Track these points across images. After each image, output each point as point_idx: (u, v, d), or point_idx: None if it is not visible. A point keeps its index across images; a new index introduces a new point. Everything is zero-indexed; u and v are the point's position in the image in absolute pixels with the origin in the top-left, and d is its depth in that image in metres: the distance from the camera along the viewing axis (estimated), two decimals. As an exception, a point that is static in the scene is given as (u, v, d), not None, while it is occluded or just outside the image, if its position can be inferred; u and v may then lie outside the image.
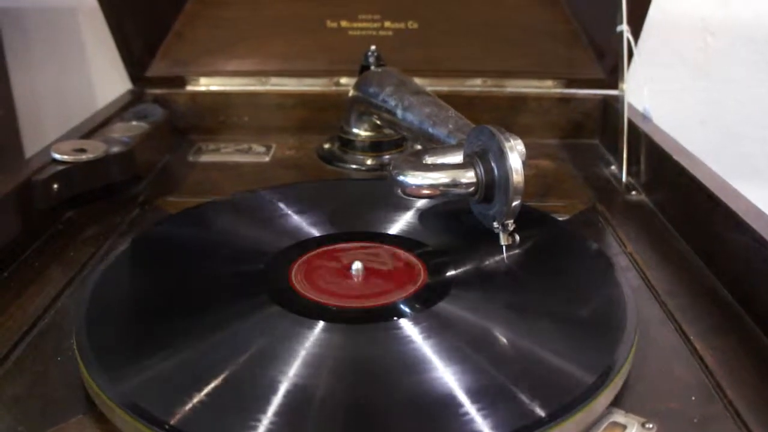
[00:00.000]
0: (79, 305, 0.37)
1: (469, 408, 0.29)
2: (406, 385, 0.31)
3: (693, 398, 0.34)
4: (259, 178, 0.61)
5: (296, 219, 0.47)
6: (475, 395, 0.30)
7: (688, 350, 0.38)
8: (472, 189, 0.42)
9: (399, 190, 0.43)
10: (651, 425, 0.31)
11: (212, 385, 0.31)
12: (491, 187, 0.42)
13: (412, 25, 0.73)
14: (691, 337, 0.39)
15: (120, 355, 0.33)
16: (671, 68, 0.84)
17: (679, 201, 0.52)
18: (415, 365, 0.32)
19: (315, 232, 0.45)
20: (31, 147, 0.86)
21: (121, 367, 0.32)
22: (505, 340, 0.35)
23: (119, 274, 0.41)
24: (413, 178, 0.42)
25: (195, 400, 0.30)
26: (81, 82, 0.86)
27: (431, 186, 0.42)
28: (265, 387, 0.30)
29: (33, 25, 0.84)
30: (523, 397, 0.30)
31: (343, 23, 0.73)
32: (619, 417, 0.32)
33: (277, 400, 0.30)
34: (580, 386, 0.31)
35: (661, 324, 0.40)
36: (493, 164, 0.41)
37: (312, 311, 0.36)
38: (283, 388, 0.30)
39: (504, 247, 0.42)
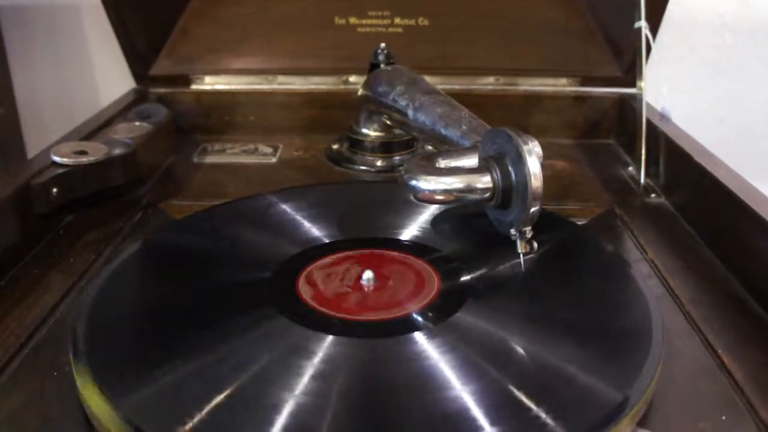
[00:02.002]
0: (78, 317, 0.35)
1: (489, 430, 0.27)
2: (420, 403, 0.29)
3: (723, 417, 0.32)
4: (265, 180, 0.60)
5: (304, 224, 0.46)
6: (495, 415, 0.28)
7: (716, 365, 0.36)
8: (488, 194, 0.40)
9: (411, 196, 0.41)
10: (680, 447, 0.30)
11: (215, 402, 0.29)
12: (508, 193, 0.40)
13: (423, 21, 0.72)
14: (719, 351, 0.37)
15: (118, 371, 0.31)
16: (688, 65, 0.82)
17: (701, 204, 0.50)
18: (430, 382, 0.31)
19: (323, 239, 0.44)
20: (32, 146, 0.85)
21: (119, 385, 0.30)
22: (525, 355, 0.33)
23: (119, 284, 0.39)
24: (426, 183, 0.40)
25: (197, 419, 0.28)
26: (83, 80, 0.85)
27: (445, 191, 0.40)
28: (271, 404, 0.29)
29: (35, 23, 0.82)
30: (548, 419, 0.28)
31: (352, 20, 0.72)
32: (646, 438, 0.30)
33: (282, 420, 0.28)
34: (606, 406, 0.29)
35: (686, 336, 0.38)
36: (510, 168, 0.40)
37: (320, 324, 0.35)
38: (289, 406, 0.29)
39: (521, 255, 0.40)
